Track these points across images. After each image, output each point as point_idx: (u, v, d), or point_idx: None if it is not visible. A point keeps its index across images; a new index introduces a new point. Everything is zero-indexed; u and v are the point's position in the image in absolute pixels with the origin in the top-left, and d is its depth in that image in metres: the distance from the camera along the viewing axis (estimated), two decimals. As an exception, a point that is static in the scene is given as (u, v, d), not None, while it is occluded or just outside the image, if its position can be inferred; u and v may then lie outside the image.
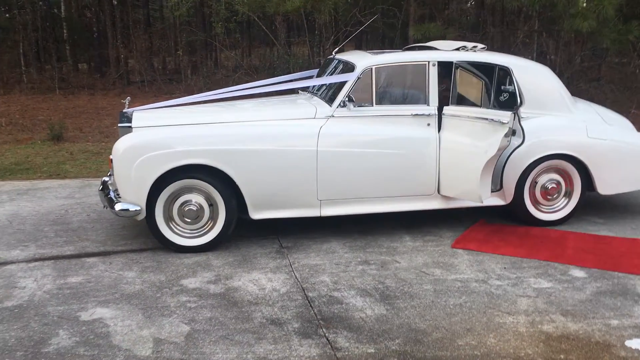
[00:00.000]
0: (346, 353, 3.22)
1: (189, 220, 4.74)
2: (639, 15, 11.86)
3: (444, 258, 4.62)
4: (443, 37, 11.36)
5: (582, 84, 12.60)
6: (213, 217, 4.78)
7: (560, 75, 12.96)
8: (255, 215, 4.82)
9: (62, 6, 18.40)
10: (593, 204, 5.88)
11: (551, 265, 4.46)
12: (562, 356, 3.16)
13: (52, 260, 4.60)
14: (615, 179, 5.39)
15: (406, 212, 5.18)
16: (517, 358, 3.15)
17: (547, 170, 5.33)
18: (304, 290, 4.03)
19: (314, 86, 5.61)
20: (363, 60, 5.12)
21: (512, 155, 5.19)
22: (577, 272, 4.32)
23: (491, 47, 12.80)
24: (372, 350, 3.24)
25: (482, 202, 4.86)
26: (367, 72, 5.00)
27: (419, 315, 3.66)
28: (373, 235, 5.14)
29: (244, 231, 5.12)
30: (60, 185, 7.03)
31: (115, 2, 15.95)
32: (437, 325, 3.52)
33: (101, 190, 5.02)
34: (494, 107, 4.98)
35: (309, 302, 3.85)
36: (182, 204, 4.72)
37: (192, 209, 4.72)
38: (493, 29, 12.00)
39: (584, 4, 9.74)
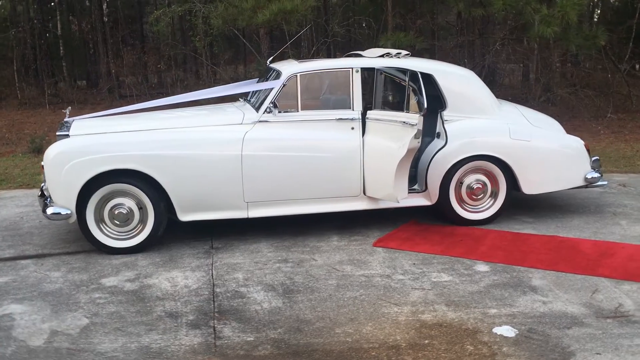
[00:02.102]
0: (226, 341, 3.41)
1: (119, 223, 4.97)
2: (612, 21, 12.02)
3: (361, 256, 4.80)
4: (413, 47, 11.59)
5: (559, 89, 12.74)
6: (143, 220, 5.01)
7: (536, 81, 13.14)
8: (184, 217, 5.04)
9: (58, 24, 18.91)
10: (525, 204, 6.02)
11: (460, 261, 4.62)
12: (426, 341, 3.33)
13: (-11, 263, 4.85)
14: (539, 179, 5.54)
15: (341, 214, 5.38)
16: (383, 343, 3.33)
17: (473, 171, 5.49)
18: (213, 286, 4.24)
19: (249, 94, 5.85)
20: (289, 68, 5.35)
21: (435, 157, 5.38)
22: (482, 267, 4.48)
23: (465, 55, 12.99)
24: (252, 339, 3.43)
25: (398, 202, 5.05)
26: (292, 79, 5.22)
27: (312, 307, 3.84)
28: (303, 236, 5.33)
29: (180, 233, 5.34)
30: (25, 195, 7.30)
31: (106, 19, 16.35)
32: (324, 316, 3.70)
33: (40, 196, 5.28)
34: (418, 111, 5.17)
35: (213, 297, 4.05)
36: (113, 207, 4.95)
37: (122, 212, 4.95)
38: (463, 37, 12.18)
39: (546, 11, 9.88)
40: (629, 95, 12.67)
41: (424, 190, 5.45)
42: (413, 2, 13.88)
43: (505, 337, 3.36)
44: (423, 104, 4.77)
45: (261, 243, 5.19)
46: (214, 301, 3.98)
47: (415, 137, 4.74)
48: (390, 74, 5.41)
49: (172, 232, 5.26)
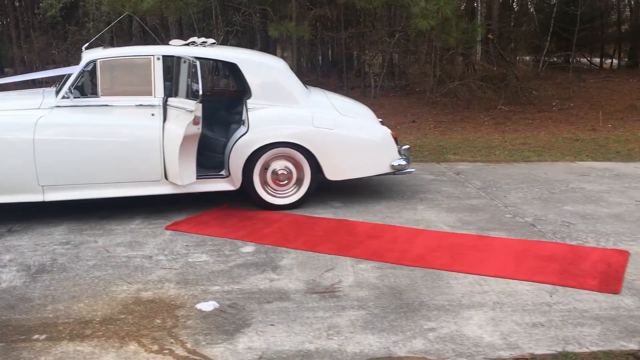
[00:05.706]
0: None
1: None
2: (502, 15, 12.36)
3: (144, 238, 4.91)
4: (301, 37, 11.74)
5: (452, 82, 13.06)
6: None
7: (433, 76, 13.42)
8: (-26, 200, 5.08)
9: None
10: (345, 190, 6.21)
11: (234, 243, 4.77)
12: (122, 316, 3.46)
13: None
14: (342, 166, 5.73)
15: (170, 199, 5.49)
16: (79, 318, 3.44)
17: (280, 157, 5.64)
18: (-30, 267, 4.30)
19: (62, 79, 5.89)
20: (90, 54, 5.41)
21: (236, 144, 5.51)
22: (249, 248, 4.63)
23: (347, 47, 13.16)
24: (-44, 315, 3.52)
25: (184, 185, 5.18)
26: (92, 64, 5.30)
27: (47, 286, 3.93)
28: (107, 220, 5.41)
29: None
30: None
31: (18, 4, 16.15)
32: (49, 295, 3.80)
33: None
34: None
35: (-40, 277, 4.11)
36: None
37: None
38: (355, 29, 12.39)
39: (424, 4, 10.12)
40: (519, 88, 13.07)
41: (229, 176, 5.58)
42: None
43: (200, 311, 3.51)
44: (199, 92, 4.87)
45: (60, 226, 5.25)
46: (-44, 281, 4.04)
47: (195, 123, 4.86)
48: (194, 62, 5.50)
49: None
